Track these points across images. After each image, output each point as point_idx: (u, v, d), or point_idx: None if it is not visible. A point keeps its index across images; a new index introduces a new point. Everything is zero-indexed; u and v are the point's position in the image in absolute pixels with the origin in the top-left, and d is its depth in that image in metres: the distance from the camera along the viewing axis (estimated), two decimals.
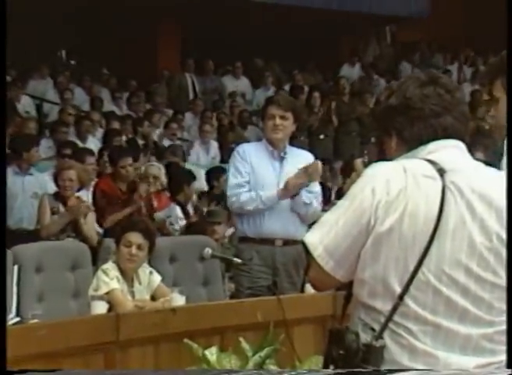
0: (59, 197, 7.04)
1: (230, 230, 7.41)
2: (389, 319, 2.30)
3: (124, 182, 7.60)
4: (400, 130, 2.45)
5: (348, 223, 2.33)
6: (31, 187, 7.93)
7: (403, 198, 2.29)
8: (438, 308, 2.29)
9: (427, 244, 2.27)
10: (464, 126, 2.46)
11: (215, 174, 8.99)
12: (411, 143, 2.43)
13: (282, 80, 14.27)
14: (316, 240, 2.36)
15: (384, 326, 2.31)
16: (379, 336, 2.31)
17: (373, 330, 2.32)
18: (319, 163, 5.62)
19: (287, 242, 5.61)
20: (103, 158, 8.61)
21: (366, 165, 2.59)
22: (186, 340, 3.92)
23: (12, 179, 7.83)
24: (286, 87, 13.47)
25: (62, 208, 6.98)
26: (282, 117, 5.60)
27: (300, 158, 5.69)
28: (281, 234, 5.62)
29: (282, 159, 5.68)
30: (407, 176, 2.32)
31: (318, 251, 2.36)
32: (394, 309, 2.29)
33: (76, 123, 10.19)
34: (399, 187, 2.30)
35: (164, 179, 8.35)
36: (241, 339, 3.97)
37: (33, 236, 6.94)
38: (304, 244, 2.40)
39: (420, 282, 2.27)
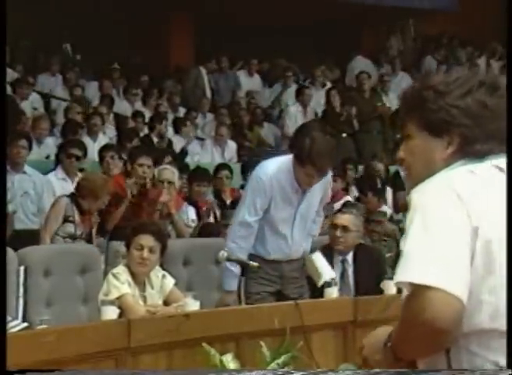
0: (76, 202, 6.73)
1: None
2: None
3: (138, 182, 7.41)
4: (470, 141, 2.18)
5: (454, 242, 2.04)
6: (22, 187, 7.78)
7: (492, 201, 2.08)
8: None
9: None
10: None
11: (224, 173, 8.85)
12: (475, 157, 2.17)
13: (301, 75, 14.11)
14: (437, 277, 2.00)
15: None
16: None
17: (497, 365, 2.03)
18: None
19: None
20: (105, 158, 8.46)
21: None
22: (204, 344, 3.78)
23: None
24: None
25: (77, 217, 6.71)
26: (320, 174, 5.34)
27: (315, 192, 5.50)
28: (289, 257, 5.54)
29: (303, 194, 5.47)
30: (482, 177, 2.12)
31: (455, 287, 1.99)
32: None
33: (85, 120, 10.07)
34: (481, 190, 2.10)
35: (178, 183, 8.21)
36: (262, 343, 3.82)
37: (21, 236, 6.83)
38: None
39: None
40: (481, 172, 2.13)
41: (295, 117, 12.03)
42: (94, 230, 6.76)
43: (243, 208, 5.39)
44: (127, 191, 7.31)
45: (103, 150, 8.61)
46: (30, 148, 8.00)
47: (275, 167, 5.39)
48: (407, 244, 2.06)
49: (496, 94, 2.21)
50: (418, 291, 1.99)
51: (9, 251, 5.17)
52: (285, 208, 5.43)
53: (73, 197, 6.74)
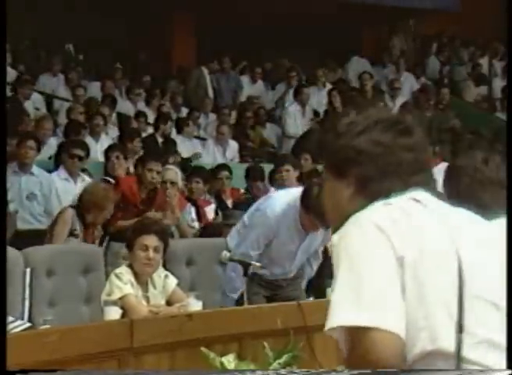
0: (81, 215, 6.56)
1: None
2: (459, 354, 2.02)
3: (147, 187, 7.38)
4: (366, 180, 2.17)
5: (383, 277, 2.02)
6: (28, 188, 7.79)
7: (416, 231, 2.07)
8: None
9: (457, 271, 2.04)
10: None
11: (224, 173, 8.84)
12: (375, 196, 2.15)
13: (303, 75, 14.10)
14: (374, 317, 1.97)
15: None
16: None
17: None
18: None
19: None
20: (111, 158, 8.46)
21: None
22: (203, 348, 3.77)
23: (10, 179, 7.71)
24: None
25: (81, 231, 6.53)
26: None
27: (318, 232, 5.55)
28: (286, 277, 5.68)
29: (306, 234, 5.51)
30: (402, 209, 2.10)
31: (388, 322, 1.97)
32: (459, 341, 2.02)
33: (88, 120, 10.07)
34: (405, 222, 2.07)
35: (181, 183, 8.21)
36: (265, 344, 3.82)
37: (27, 236, 6.81)
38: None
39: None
40: (398, 203, 2.11)
41: (294, 116, 12.04)
42: (96, 243, 6.66)
43: (247, 242, 5.46)
44: (137, 196, 7.28)
45: (109, 150, 8.63)
46: (38, 149, 8.02)
47: (284, 205, 5.41)
48: (337, 289, 2.02)
49: (392, 129, 2.19)
50: (357, 334, 1.96)
51: (15, 252, 5.17)
52: (287, 245, 5.52)
53: (78, 209, 6.58)
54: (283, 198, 5.46)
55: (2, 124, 4.33)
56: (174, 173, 7.86)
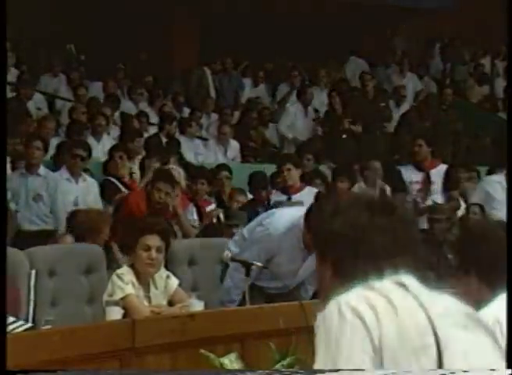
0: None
1: None
2: None
3: (154, 207, 7.18)
4: (340, 262, 2.17)
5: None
6: (34, 189, 7.79)
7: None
8: None
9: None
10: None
11: (224, 173, 8.83)
12: (349, 279, 2.15)
13: (305, 75, 14.08)
14: None
15: None
16: None
17: None
18: None
19: None
20: (114, 158, 8.46)
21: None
22: (202, 350, 3.77)
23: (17, 180, 7.76)
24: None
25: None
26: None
27: None
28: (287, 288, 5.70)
29: (309, 254, 5.37)
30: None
31: None
32: None
33: (90, 120, 10.07)
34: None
35: (184, 183, 8.19)
36: (271, 344, 3.80)
37: (31, 237, 6.82)
38: None
39: None
40: (380, 287, 2.11)
41: (294, 116, 12.04)
42: None
43: (247, 254, 5.41)
44: (144, 212, 7.17)
45: (112, 149, 8.63)
46: (45, 149, 8.04)
47: (287, 224, 5.38)
48: (316, 371, 2.07)
49: (370, 210, 2.17)
50: None
51: (20, 253, 5.16)
52: (289, 264, 5.51)
53: (75, 236, 6.36)
54: (287, 217, 5.42)
55: (2, 124, 4.32)
56: (177, 173, 7.85)
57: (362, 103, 12.13)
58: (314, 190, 7.98)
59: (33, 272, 4.97)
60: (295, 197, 7.77)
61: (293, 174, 7.95)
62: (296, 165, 8.10)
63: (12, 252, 4.85)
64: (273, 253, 5.40)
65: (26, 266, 5.09)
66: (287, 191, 7.94)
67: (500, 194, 7.93)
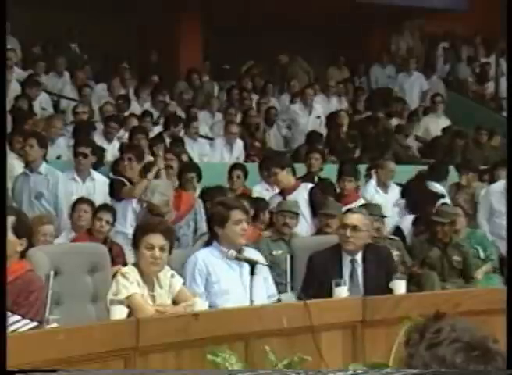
0: None
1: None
2: None
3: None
4: None
5: None
6: (36, 187, 7.79)
7: None
8: None
9: None
10: None
11: (236, 172, 8.83)
12: None
13: (310, 76, 14.08)
14: None
15: None
16: None
17: None
18: None
19: None
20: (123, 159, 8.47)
21: None
22: (209, 355, 3.75)
23: (21, 179, 7.79)
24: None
25: None
26: None
27: None
28: None
29: None
30: None
31: None
32: None
33: (105, 122, 10.12)
34: None
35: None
36: (267, 347, 3.77)
37: None
38: None
39: None
40: None
41: (297, 115, 12.05)
42: None
43: None
44: None
45: (123, 149, 8.64)
46: (44, 147, 7.97)
47: None
48: None
49: (467, 354, 2.05)
50: None
51: (43, 255, 5.15)
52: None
53: None
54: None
55: (2, 124, 4.33)
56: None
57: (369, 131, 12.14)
58: (310, 185, 7.94)
59: (52, 273, 4.96)
60: (290, 197, 7.73)
61: (281, 177, 7.87)
62: (283, 166, 7.98)
63: (34, 252, 4.87)
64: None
65: (47, 267, 5.09)
66: (282, 192, 7.92)
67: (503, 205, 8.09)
